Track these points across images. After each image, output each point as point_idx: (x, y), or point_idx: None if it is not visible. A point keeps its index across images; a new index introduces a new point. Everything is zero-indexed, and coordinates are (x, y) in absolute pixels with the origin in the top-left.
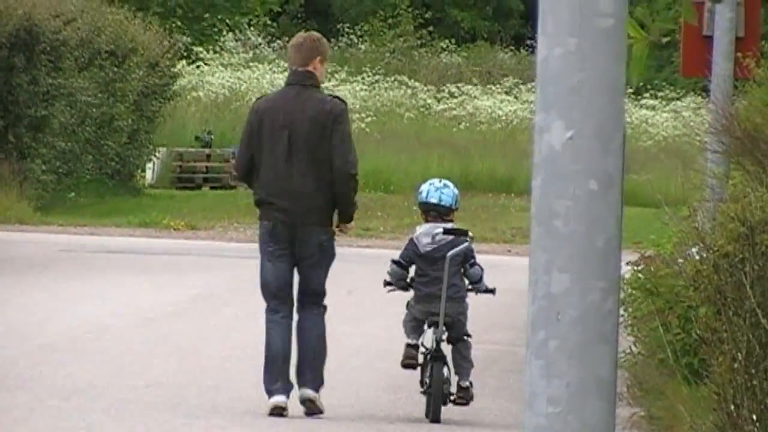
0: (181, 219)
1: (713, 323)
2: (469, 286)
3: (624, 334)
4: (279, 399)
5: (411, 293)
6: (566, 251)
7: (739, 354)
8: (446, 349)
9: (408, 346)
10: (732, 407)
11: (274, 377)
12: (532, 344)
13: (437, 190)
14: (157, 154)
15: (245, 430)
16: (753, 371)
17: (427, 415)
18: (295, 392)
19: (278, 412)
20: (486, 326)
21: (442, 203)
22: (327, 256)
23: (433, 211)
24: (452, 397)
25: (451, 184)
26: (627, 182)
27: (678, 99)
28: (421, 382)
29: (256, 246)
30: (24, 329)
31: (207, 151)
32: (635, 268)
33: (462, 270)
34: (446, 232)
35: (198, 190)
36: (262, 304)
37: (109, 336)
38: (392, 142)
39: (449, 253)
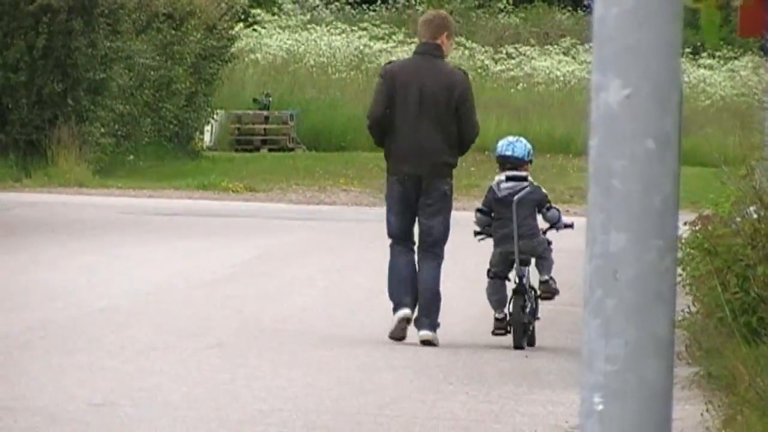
0: (239, 181)
1: None
2: (548, 227)
3: (682, 293)
4: (406, 311)
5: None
6: (623, 210)
7: None
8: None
9: (496, 320)
10: None
11: (402, 292)
12: (589, 303)
13: (510, 144)
14: (215, 116)
15: (306, 391)
16: None
17: (515, 347)
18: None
19: (405, 323)
20: None
21: (515, 155)
22: (448, 205)
23: (508, 163)
24: (538, 293)
25: (524, 139)
26: (685, 142)
27: (735, 59)
28: (507, 324)
29: (314, 207)
30: (84, 292)
31: (265, 113)
32: (693, 227)
33: (539, 213)
34: (508, 179)
35: (256, 153)
36: (321, 265)
37: (169, 298)
38: None
39: (516, 197)
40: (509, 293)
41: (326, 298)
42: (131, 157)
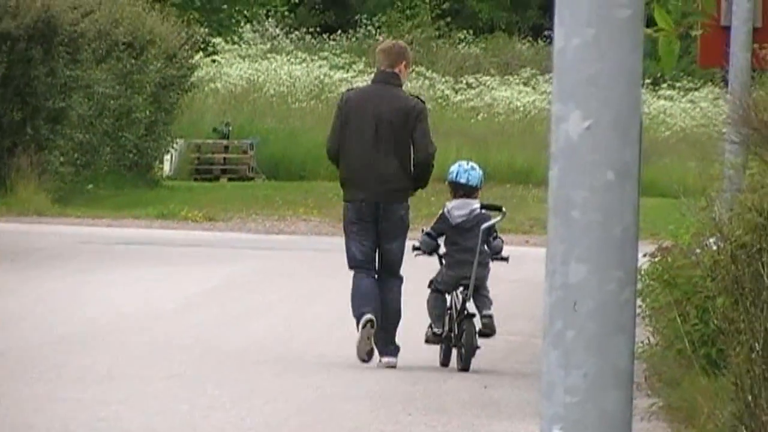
0: (199, 210)
1: (731, 314)
2: (493, 256)
3: (642, 325)
4: (369, 316)
5: (429, 275)
6: (583, 241)
7: (756, 344)
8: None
9: (434, 334)
10: (750, 397)
11: (365, 303)
12: (549, 334)
13: (465, 171)
14: (175, 145)
15: (265, 421)
16: None
17: (444, 365)
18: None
19: (370, 324)
20: (504, 317)
21: (470, 183)
22: (405, 228)
23: (461, 190)
24: (479, 328)
25: (477, 166)
26: (645, 173)
27: (696, 90)
28: (448, 338)
29: (274, 237)
30: (43, 320)
31: (225, 142)
32: (653, 259)
33: (488, 240)
34: (483, 207)
35: (216, 182)
36: (282, 295)
37: (127, 327)
38: None
39: (483, 225)
40: (453, 316)
41: (285, 328)
42: (90, 185)
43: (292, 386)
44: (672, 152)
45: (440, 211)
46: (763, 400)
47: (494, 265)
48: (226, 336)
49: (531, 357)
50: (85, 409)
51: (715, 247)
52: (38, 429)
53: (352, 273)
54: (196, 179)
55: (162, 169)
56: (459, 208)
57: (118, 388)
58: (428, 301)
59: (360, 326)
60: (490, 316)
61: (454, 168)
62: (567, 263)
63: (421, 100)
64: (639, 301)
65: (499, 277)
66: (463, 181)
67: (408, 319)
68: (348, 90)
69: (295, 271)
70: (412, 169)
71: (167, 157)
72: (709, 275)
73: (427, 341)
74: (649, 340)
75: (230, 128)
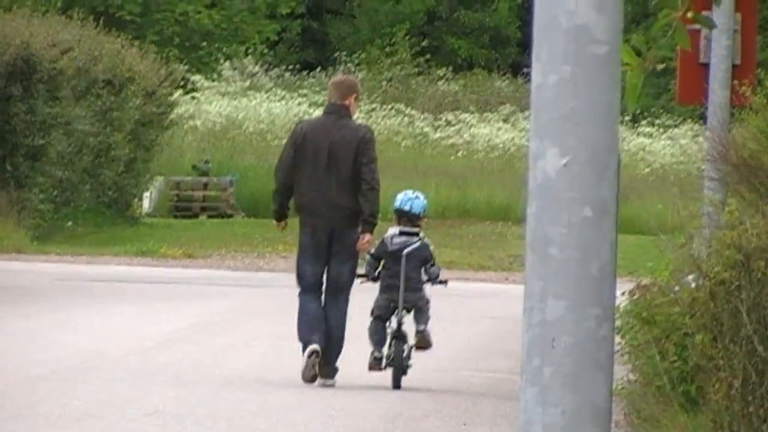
0: (178, 248)
1: (709, 351)
2: (425, 280)
3: (620, 362)
4: (315, 346)
5: (369, 299)
6: (561, 278)
7: (735, 381)
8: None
9: (374, 357)
10: None
11: (312, 330)
12: (527, 371)
13: (409, 200)
14: (154, 183)
15: None
16: (749, 398)
17: (393, 387)
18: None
19: (315, 355)
20: (483, 354)
21: (412, 211)
22: (355, 253)
23: (404, 217)
24: (413, 342)
25: (421, 196)
26: (624, 210)
27: (675, 126)
28: (387, 356)
29: (253, 274)
30: (20, 358)
31: (204, 179)
32: (631, 296)
33: (423, 268)
34: (401, 233)
35: (195, 219)
36: (261, 333)
37: (106, 365)
38: (389, 171)
39: (404, 252)
40: (389, 336)
41: (264, 365)
42: (70, 223)
43: (270, 425)
44: (651, 189)
45: (381, 237)
46: None
47: (475, 303)
48: (205, 373)
49: (510, 394)
50: None
51: (693, 285)
52: None
53: (298, 293)
54: (175, 216)
55: (141, 206)
56: (397, 236)
57: (96, 426)
58: (369, 329)
59: (305, 355)
60: (422, 331)
61: (399, 196)
62: (545, 300)
63: (370, 130)
64: (618, 339)
65: (479, 314)
66: (406, 208)
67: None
68: (300, 121)
69: (274, 309)
70: (358, 191)
71: (146, 194)
72: (687, 312)
73: (370, 368)
74: (627, 377)
75: (209, 165)
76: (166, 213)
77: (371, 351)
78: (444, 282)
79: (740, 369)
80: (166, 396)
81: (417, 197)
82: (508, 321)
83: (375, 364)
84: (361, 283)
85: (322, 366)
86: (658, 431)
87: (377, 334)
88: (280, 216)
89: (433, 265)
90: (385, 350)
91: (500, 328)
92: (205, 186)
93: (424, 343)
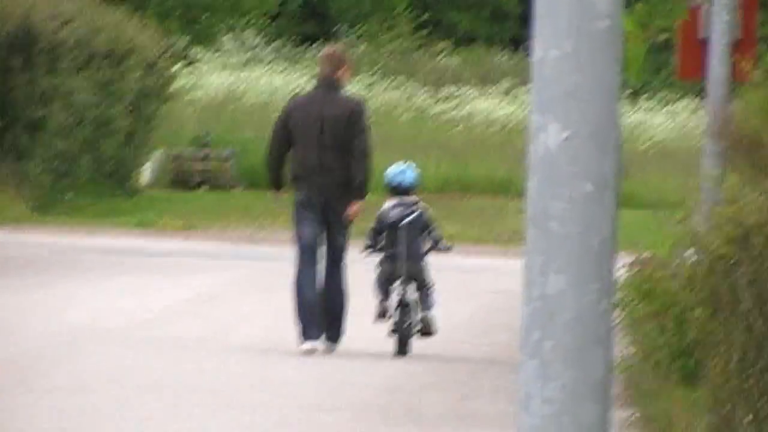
0: (178, 220)
1: (708, 325)
2: (430, 246)
3: (620, 336)
4: (313, 344)
5: (367, 269)
6: (562, 253)
7: (733, 356)
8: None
9: (381, 302)
10: (727, 409)
11: (309, 319)
12: (527, 345)
13: (401, 172)
14: (154, 154)
15: (244, 431)
16: (748, 373)
17: (396, 353)
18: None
19: (311, 353)
20: (483, 328)
21: (404, 184)
22: (349, 221)
23: (395, 192)
24: (418, 328)
25: (413, 166)
26: (624, 185)
27: (675, 102)
28: (393, 324)
29: (252, 247)
30: (22, 330)
31: (204, 152)
32: (631, 270)
33: (423, 235)
34: (398, 205)
35: (195, 191)
36: (261, 306)
37: (107, 337)
38: (389, 144)
39: (402, 222)
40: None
41: (265, 338)
42: (69, 194)
43: (271, 398)
44: (650, 164)
45: (379, 210)
46: (740, 412)
47: (475, 277)
48: (205, 346)
49: (509, 368)
50: (66, 419)
51: (693, 259)
52: None
53: (296, 255)
54: (175, 188)
55: (141, 178)
56: (394, 208)
57: (97, 398)
58: (375, 278)
59: (303, 349)
60: (427, 317)
61: (390, 170)
62: (545, 274)
63: (361, 101)
64: (617, 313)
65: (478, 288)
66: (396, 182)
67: (381, 330)
68: (294, 96)
69: (274, 281)
70: (350, 162)
71: (146, 166)
72: (686, 287)
73: (378, 315)
74: (626, 351)
75: (209, 138)
76: (166, 185)
77: (379, 300)
78: (449, 248)
79: (738, 343)
80: (165, 368)
81: (409, 168)
82: (508, 295)
83: (381, 310)
84: (366, 255)
85: (328, 330)
86: (657, 405)
87: (382, 286)
88: (278, 184)
89: (434, 229)
90: (392, 299)
91: (499, 302)
92: (205, 158)
93: (428, 329)
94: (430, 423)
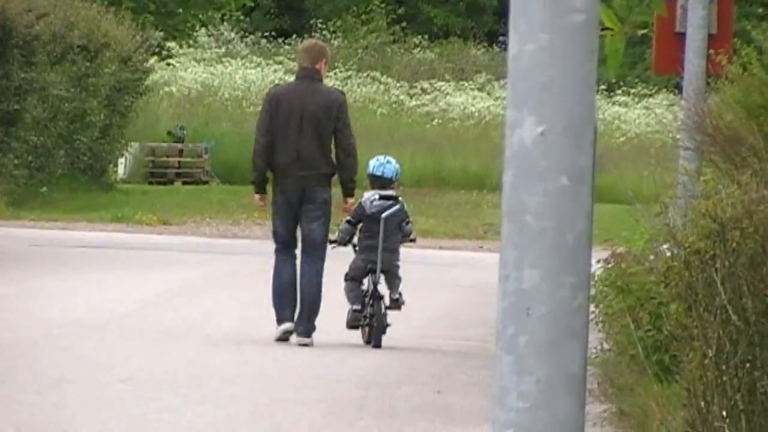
0: (153, 214)
1: (684, 320)
2: (402, 238)
3: (595, 331)
4: (288, 326)
5: (344, 263)
6: (537, 247)
7: (709, 350)
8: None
9: (353, 311)
10: (702, 404)
11: (285, 305)
12: (501, 340)
13: (381, 165)
14: (129, 149)
15: (218, 426)
16: (723, 368)
17: (368, 343)
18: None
19: (286, 336)
20: (457, 322)
21: (385, 176)
22: (327, 211)
23: (378, 182)
24: (388, 304)
25: (393, 160)
26: (599, 179)
27: (650, 96)
28: (363, 317)
29: (227, 242)
30: None
31: (180, 146)
32: (606, 265)
33: (398, 228)
34: (381, 198)
35: (170, 185)
36: (235, 300)
37: (81, 331)
38: (365, 138)
39: (383, 215)
40: (365, 299)
41: (240, 331)
42: (44, 188)
43: (246, 391)
44: (626, 159)
45: (359, 201)
46: (715, 407)
47: (449, 271)
48: (179, 341)
49: (484, 362)
50: (38, 413)
51: (668, 254)
52: None
53: (274, 250)
54: (150, 183)
55: (116, 172)
56: (377, 200)
57: (71, 392)
58: (345, 289)
59: (279, 332)
60: (397, 299)
61: (371, 162)
62: (520, 269)
63: (342, 92)
64: (592, 307)
65: (453, 282)
66: (378, 173)
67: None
68: (274, 86)
69: (249, 276)
70: (336, 158)
71: (122, 160)
72: (662, 281)
73: (349, 324)
74: (602, 346)
75: (185, 132)
76: (142, 179)
77: (349, 308)
78: (413, 240)
79: (714, 338)
80: (140, 362)
81: (389, 161)
82: (482, 289)
83: (354, 319)
84: (333, 248)
85: (298, 325)
86: (632, 400)
87: (353, 291)
88: (261, 183)
89: (408, 223)
90: (364, 286)
91: (474, 297)
92: (181, 152)
93: (396, 306)
94: (405, 417)
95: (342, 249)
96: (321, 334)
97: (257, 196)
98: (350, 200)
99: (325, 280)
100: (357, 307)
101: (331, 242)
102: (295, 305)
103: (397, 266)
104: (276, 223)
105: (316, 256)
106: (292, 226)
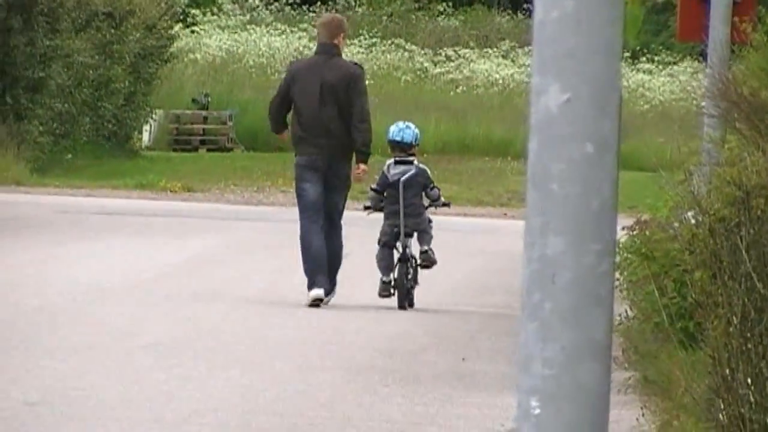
0: (177, 181)
1: (708, 287)
2: (428, 203)
3: (619, 298)
4: (319, 293)
5: (375, 231)
6: (562, 214)
7: (734, 318)
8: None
9: (383, 282)
10: (727, 371)
11: (315, 269)
12: (526, 307)
13: (400, 130)
14: (153, 116)
15: (241, 392)
16: (748, 335)
17: (400, 307)
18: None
19: (317, 303)
20: (482, 289)
21: (405, 140)
22: (348, 182)
23: (398, 147)
24: (418, 261)
25: (412, 125)
26: (623, 146)
27: (675, 63)
28: (392, 287)
29: (252, 208)
30: (20, 290)
31: (204, 113)
32: (631, 232)
33: (423, 192)
34: (397, 163)
35: (195, 153)
36: (260, 266)
37: (105, 297)
38: (389, 106)
39: (402, 179)
40: (395, 261)
41: (263, 299)
42: (69, 155)
43: (268, 357)
44: (650, 126)
45: (381, 169)
46: (740, 374)
47: (474, 238)
48: (203, 307)
49: (508, 329)
50: (62, 378)
51: (693, 221)
52: (15, 399)
53: (299, 215)
54: (174, 150)
55: (141, 139)
56: (394, 166)
57: (94, 358)
58: (377, 256)
59: (310, 299)
60: (426, 251)
61: (391, 128)
62: (545, 235)
63: (360, 66)
64: (617, 274)
65: (477, 249)
66: (398, 138)
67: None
68: (294, 61)
69: (273, 243)
70: (351, 125)
71: (146, 127)
72: (687, 249)
73: (380, 294)
74: (626, 313)
75: (209, 99)
76: (166, 146)
77: (380, 278)
78: (447, 204)
79: (739, 306)
80: (164, 328)
81: (408, 127)
82: (506, 256)
83: (384, 290)
84: (368, 214)
85: (318, 278)
86: (656, 367)
87: (384, 260)
88: (279, 129)
89: (433, 188)
90: (393, 276)
91: (498, 264)
92: (205, 119)
93: (428, 261)
94: (429, 384)
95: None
96: (347, 300)
97: (279, 136)
98: (362, 166)
99: (353, 247)
100: (386, 279)
101: (366, 208)
102: (325, 270)
103: (430, 225)
104: (303, 185)
105: (338, 224)
106: (320, 190)
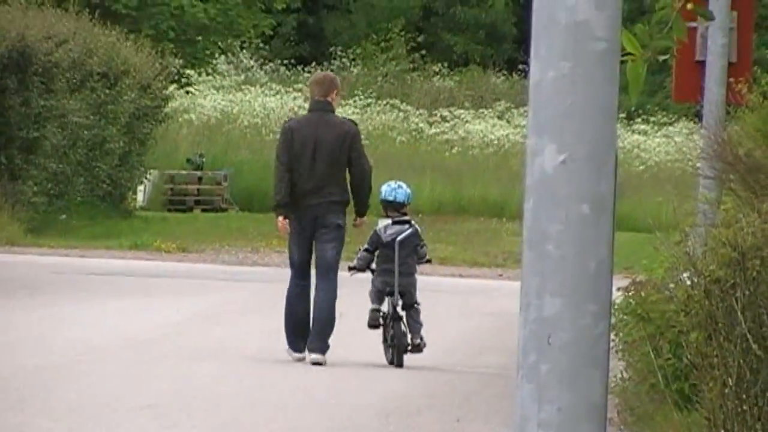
0: (172, 242)
1: (704, 348)
2: (417, 260)
3: (615, 359)
4: (300, 356)
5: (370, 278)
6: (558, 275)
7: (729, 379)
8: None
9: (372, 310)
10: None
11: (299, 337)
12: (523, 368)
13: (393, 190)
14: (148, 176)
15: None
16: (743, 396)
17: (391, 363)
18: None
19: (302, 359)
20: (478, 350)
21: (397, 200)
22: (340, 235)
23: (390, 207)
24: (408, 348)
25: (404, 185)
26: (619, 207)
27: (670, 124)
28: (384, 339)
29: (246, 269)
30: (14, 351)
31: (198, 173)
32: (626, 293)
33: (413, 251)
34: (394, 222)
35: (189, 213)
36: (254, 326)
37: (100, 358)
38: (384, 166)
39: (398, 239)
40: (385, 319)
41: (259, 359)
42: (64, 216)
43: (264, 419)
44: (646, 187)
45: (374, 229)
46: None
47: (469, 299)
48: (199, 368)
49: (504, 391)
50: None
51: (688, 282)
52: None
53: (291, 273)
54: (169, 210)
55: (135, 199)
56: (390, 227)
57: (90, 419)
58: (369, 291)
59: (293, 358)
60: (418, 344)
61: (383, 188)
62: (541, 297)
63: (355, 123)
64: (612, 336)
65: (473, 310)
66: (390, 198)
67: (373, 349)
68: (288, 120)
69: (267, 304)
70: (350, 186)
71: (141, 187)
72: (682, 310)
73: (369, 324)
74: (622, 374)
75: (204, 159)
76: (161, 206)
77: (370, 308)
78: (428, 261)
79: (735, 367)
80: (160, 389)
81: (400, 186)
82: (502, 317)
83: (373, 319)
84: (352, 275)
85: (311, 343)
86: (652, 429)
87: (376, 293)
88: (286, 205)
89: (423, 246)
90: (384, 307)
91: (494, 325)
92: (200, 180)
93: (418, 350)
94: None
95: (360, 276)
96: (342, 359)
97: (281, 219)
98: (359, 219)
99: (343, 306)
100: (375, 306)
101: (350, 269)
102: (307, 335)
103: (415, 289)
104: (292, 248)
105: (329, 278)
106: (306, 253)
